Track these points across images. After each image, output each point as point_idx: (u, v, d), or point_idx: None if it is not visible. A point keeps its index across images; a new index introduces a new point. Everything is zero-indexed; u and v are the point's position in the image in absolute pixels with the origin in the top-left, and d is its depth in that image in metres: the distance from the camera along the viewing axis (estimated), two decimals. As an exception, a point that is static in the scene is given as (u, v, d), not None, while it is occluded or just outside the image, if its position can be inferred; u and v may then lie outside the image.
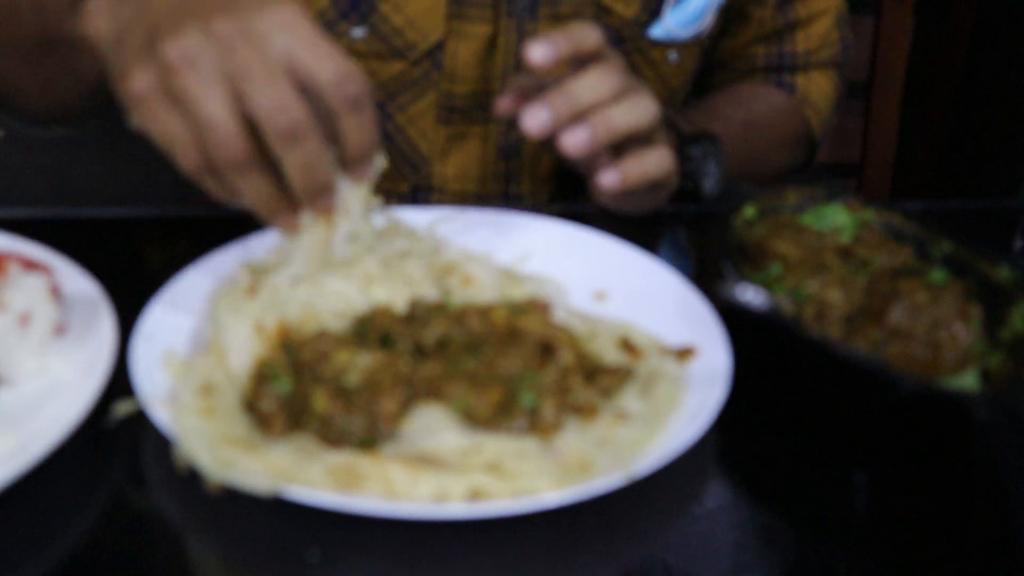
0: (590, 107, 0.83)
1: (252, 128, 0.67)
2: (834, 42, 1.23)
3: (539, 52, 0.83)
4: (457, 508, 0.59)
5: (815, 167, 1.28)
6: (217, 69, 0.65)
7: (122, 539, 0.62)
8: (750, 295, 0.68)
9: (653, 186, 0.90)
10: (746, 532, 0.66)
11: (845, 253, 0.80)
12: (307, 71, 0.66)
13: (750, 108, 1.18)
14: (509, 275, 0.80)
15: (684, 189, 0.98)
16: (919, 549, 0.65)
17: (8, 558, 0.59)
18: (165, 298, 0.74)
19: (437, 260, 0.79)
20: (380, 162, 0.74)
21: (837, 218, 0.83)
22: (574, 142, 0.83)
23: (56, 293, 0.71)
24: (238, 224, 0.79)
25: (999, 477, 0.72)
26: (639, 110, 0.85)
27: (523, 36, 1.05)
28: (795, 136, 1.21)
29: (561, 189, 1.15)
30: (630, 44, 1.08)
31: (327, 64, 0.66)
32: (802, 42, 1.21)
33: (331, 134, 0.70)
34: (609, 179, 0.87)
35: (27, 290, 0.69)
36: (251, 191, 0.68)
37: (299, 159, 0.67)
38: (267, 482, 0.59)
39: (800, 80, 1.22)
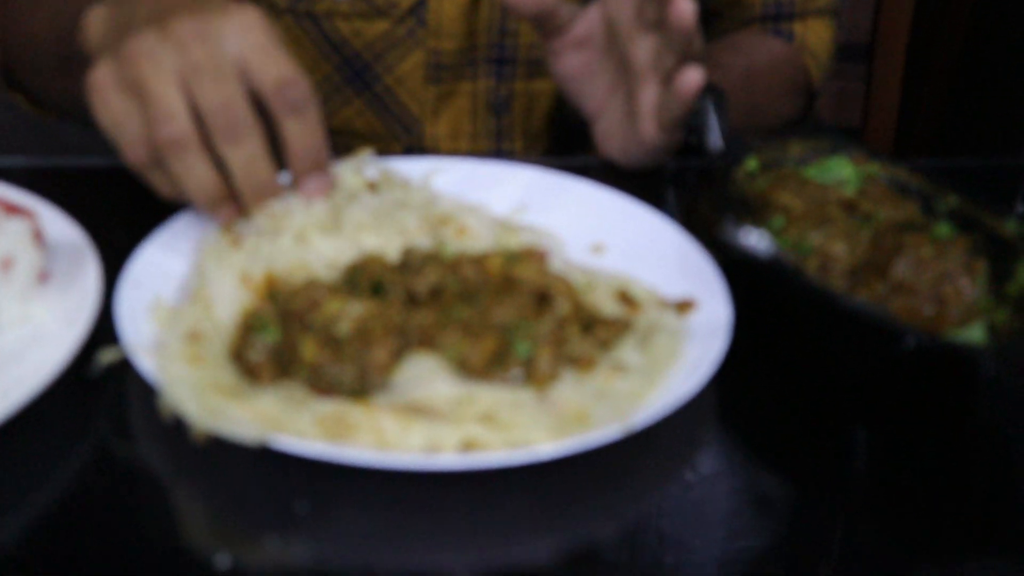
0: None
1: (199, 122, 0.68)
2: None
3: None
4: (449, 459, 0.58)
5: (818, 125, 1.25)
6: (171, 63, 0.68)
7: (106, 490, 0.61)
8: (753, 240, 0.66)
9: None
10: (742, 496, 0.64)
11: (849, 206, 0.78)
12: (253, 74, 0.69)
13: (751, 57, 1.15)
14: (505, 226, 0.78)
15: (688, 143, 0.96)
16: (921, 511, 0.64)
17: (-11, 507, 0.58)
18: (152, 246, 0.73)
19: (431, 211, 0.77)
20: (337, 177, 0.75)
21: (841, 171, 0.81)
22: None
23: (39, 238, 0.69)
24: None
25: (1004, 435, 0.71)
26: None
27: None
28: (795, 85, 1.19)
29: (554, 145, 1.14)
30: None
31: (272, 69, 0.69)
32: None
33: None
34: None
35: (9, 235, 0.67)
36: (193, 179, 0.69)
37: (241, 156, 0.69)
38: (255, 431, 0.58)
39: (798, 28, 1.19)
